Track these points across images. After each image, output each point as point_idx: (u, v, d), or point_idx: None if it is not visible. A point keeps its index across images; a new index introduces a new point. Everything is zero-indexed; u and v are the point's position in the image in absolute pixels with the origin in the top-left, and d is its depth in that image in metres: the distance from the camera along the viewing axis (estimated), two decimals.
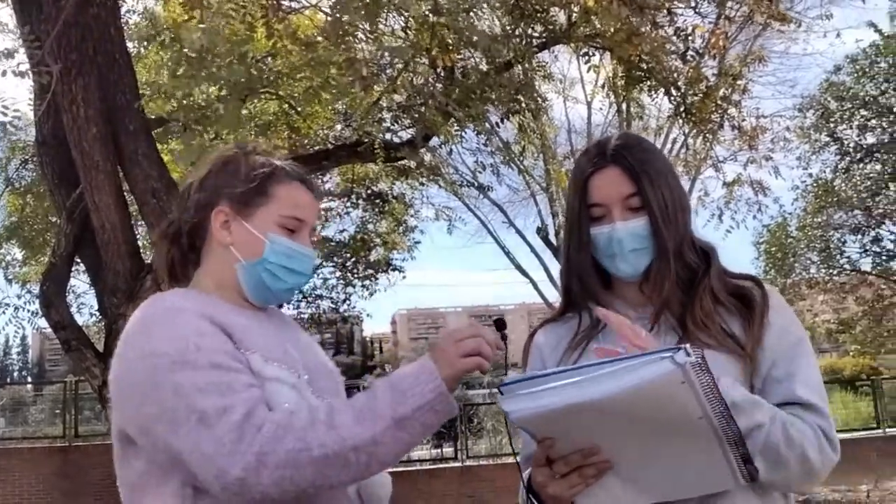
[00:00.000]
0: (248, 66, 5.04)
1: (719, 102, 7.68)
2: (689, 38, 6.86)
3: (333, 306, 17.72)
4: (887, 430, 16.30)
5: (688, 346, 1.17)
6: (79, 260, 6.63)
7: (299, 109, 7.43)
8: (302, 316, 17.86)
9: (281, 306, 1.89)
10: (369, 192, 15.05)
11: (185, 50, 4.89)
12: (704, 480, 1.31)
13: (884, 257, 16.63)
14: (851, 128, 16.11)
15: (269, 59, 6.40)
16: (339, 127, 9.09)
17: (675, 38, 6.80)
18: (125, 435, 1.42)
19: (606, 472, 1.32)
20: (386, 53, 5.34)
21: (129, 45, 6.09)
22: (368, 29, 4.90)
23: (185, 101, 5.24)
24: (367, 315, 21.11)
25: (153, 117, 6.31)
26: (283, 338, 1.59)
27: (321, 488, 1.33)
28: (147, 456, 1.39)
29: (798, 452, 1.34)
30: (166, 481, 1.38)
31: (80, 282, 12.77)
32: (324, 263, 16.54)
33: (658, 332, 1.53)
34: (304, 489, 1.30)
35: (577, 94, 16.17)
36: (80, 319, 10.89)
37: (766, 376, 1.46)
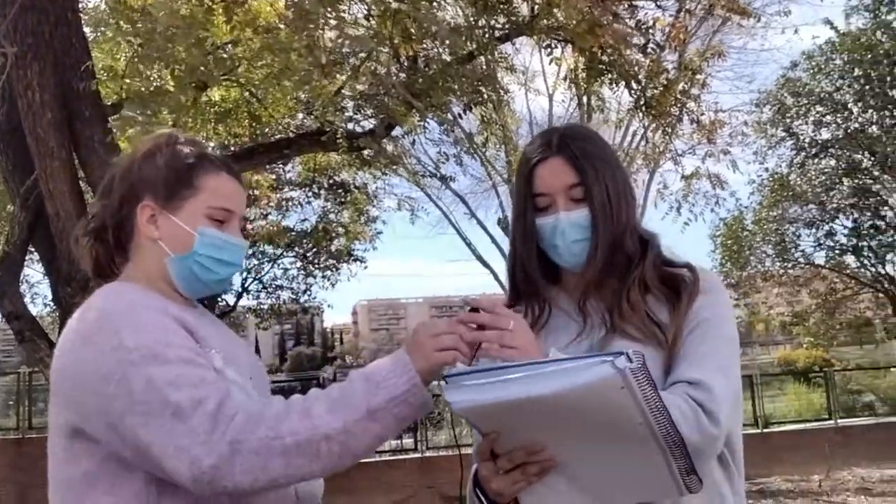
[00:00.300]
0: (205, 52, 4.97)
1: (678, 96, 7.77)
2: (650, 30, 6.92)
3: (294, 297, 17.64)
4: (839, 421, 16.66)
5: (630, 351, 1.16)
6: (32, 248, 6.50)
7: (260, 97, 7.35)
8: (262, 306, 17.74)
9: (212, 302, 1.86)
10: (331, 181, 14.98)
11: (139, 26, 4.80)
12: (647, 487, 1.31)
13: (837, 251, 17.00)
14: (807, 123, 16.43)
15: (230, 46, 6.32)
16: (300, 116, 9.02)
17: (636, 30, 6.85)
18: (78, 431, 1.38)
19: (551, 471, 1.32)
20: (347, 42, 5.31)
21: (87, 29, 5.96)
22: (330, 16, 4.86)
23: (138, 82, 5.16)
24: (328, 305, 21.10)
25: (109, 103, 6.19)
26: (226, 338, 1.58)
27: (292, 479, 1.32)
28: (104, 453, 1.36)
29: None
30: (125, 479, 1.36)
31: (33, 271, 12.55)
32: (284, 253, 16.45)
33: (591, 325, 1.54)
34: (276, 479, 1.29)
35: (539, 86, 16.21)
36: (33, 309, 10.69)
37: (673, 353, 1.45)
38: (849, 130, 15.91)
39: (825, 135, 16.41)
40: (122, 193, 1.55)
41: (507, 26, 7.07)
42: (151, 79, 5.99)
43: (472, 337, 1.36)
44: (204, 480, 1.26)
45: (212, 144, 9.70)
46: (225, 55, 5.75)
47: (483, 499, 1.42)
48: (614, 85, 7.69)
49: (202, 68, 4.78)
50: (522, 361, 1.29)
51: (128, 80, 5.76)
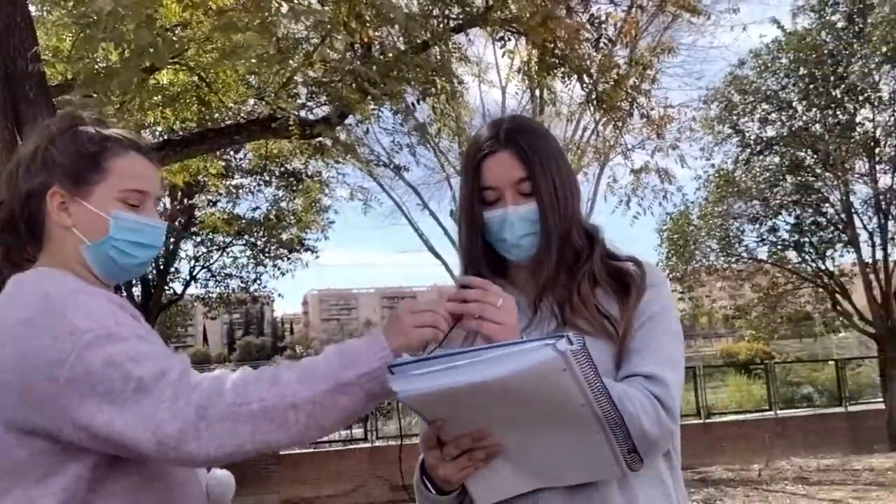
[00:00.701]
0: (154, 31, 4.87)
1: (629, 91, 7.86)
2: (603, 25, 6.99)
3: (243, 286, 17.43)
4: (779, 412, 17.12)
5: (570, 334, 1.20)
6: None
7: (210, 81, 7.22)
8: (210, 295, 17.50)
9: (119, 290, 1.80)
10: (283, 169, 14.82)
11: (83, 9, 4.69)
12: (589, 468, 1.35)
13: (779, 247, 17.34)
14: (753, 121, 16.71)
15: (179, 28, 6.20)
16: (252, 102, 8.89)
17: (588, 25, 6.91)
18: (10, 421, 1.34)
19: (496, 456, 1.34)
20: (302, 19, 5.23)
21: (32, 8, 5.80)
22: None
23: (85, 63, 5.04)
24: (279, 295, 20.84)
25: (54, 84, 6.05)
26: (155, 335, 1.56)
27: (259, 446, 1.30)
28: (38, 446, 1.33)
29: (636, 427, 1.33)
30: (56, 473, 1.33)
31: None
32: (234, 241, 16.25)
33: (541, 318, 1.55)
34: (242, 445, 1.28)
35: (493, 78, 16.28)
36: None
37: (624, 347, 1.47)
38: (793, 128, 16.24)
39: (770, 132, 16.71)
40: (28, 181, 1.50)
41: (461, 17, 7.07)
42: (98, 60, 5.86)
43: (454, 307, 1.38)
44: (169, 445, 1.25)
45: (159, 129, 9.53)
46: (174, 36, 5.64)
47: (430, 487, 1.44)
48: (566, 78, 7.75)
49: (150, 49, 4.68)
50: (472, 347, 1.32)
51: (74, 62, 5.62)
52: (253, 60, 5.12)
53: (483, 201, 1.54)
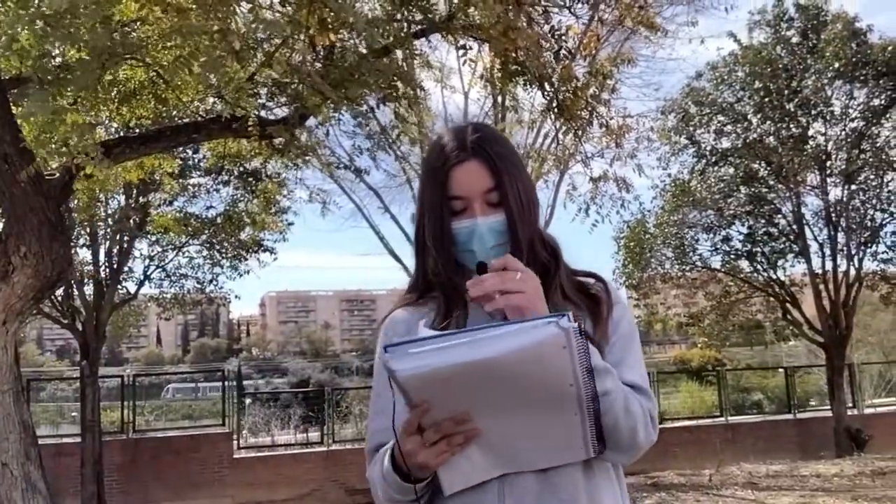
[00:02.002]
0: (111, 30, 4.78)
1: (589, 100, 7.91)
2: (563, 38, 7.04)
3: (199, 286, 17.16)
4: (729, 418, 17.43)
5: (570, 313, 1.24)
6: None
7: (167, 79, 7.11)
8: (164, 295, 17.21)
9: None
10: (241, 169, 14.66)
11: (43, 9, 4.58)
12: (559, 450, 1.37)
13: (732, 256, 17.66)
14: (709, 132, 17.01)
15: (137, 24, 6.09)
16: (211, 100, 8.76)
17: (549, 36, 6.95)
18: None
19: (473, 441, 1.35)
20: (262, 27, 5.19)
21: None
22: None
23: (41, 61, 4.92)
24: (235, 296, 20.54)
25: (8, 77, 5.92)
26: None
27: None
28: None
29: (631, 426, 1.40)
30: None
31: None
32: (190, 242, 16.02)
33: None
34: None
35: (455, 83, 16.30)
36: None
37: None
38: (747, 140, 16.55)
39: (725, 144, 17.01)
40: None
41: (424, 22, 7.06)
42: (54, 57, 5.75)
43: (475, 292, 1.38)
44: None
45: (114, 126, 9.36)
46: (133, 34, 5.55)
47: (401, 477, 1.42)
48: (528, 86, 7.78)
49: (108, 45, 4.60)
50: (465, 329, 1.32)
51: (31, 59, 5.50)
52: (206, 62, 5.05)
53: (450, 211, 1.52)
